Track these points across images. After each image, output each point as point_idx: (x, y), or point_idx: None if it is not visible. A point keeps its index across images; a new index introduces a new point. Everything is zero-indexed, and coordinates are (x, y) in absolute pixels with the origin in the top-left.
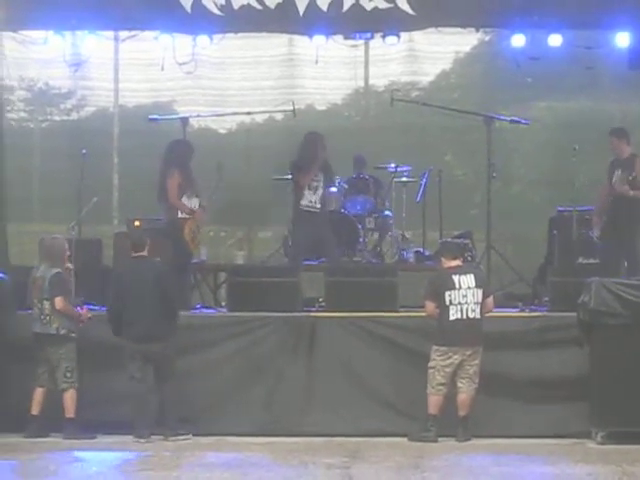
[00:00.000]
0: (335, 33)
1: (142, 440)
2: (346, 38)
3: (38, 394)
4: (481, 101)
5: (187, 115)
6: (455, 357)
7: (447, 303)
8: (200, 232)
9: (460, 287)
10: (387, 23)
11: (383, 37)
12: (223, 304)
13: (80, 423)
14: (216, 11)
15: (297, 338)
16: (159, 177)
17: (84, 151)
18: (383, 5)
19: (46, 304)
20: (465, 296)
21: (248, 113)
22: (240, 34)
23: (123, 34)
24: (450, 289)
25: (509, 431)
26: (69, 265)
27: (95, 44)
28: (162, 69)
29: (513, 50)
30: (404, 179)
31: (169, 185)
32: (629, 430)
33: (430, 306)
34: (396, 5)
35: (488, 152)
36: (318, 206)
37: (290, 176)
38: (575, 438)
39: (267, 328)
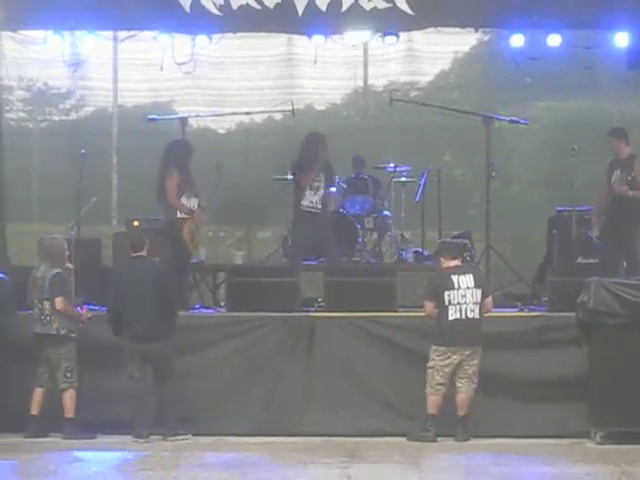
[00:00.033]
0: (334, 33)
1: (141, 440)
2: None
3: (38, 394)
4: (480, 101)
5: (186, 115)
6: (454, 357)
7: (446, 303)
8: (199, 232)
9: (459, 287)
10: (386, 23)
11: (382, 37)
12: (222, 304)
13: (80, 423)
14: (215, 11)
15: (296, 338)
16: (158, 177)
17: (83, 151)
18: (382, 5)
19: (46, 304)
20: (464, 296)
21: (247, 113)
22: (239, 34)
23: (122, 34)
24: (449, 289)
25: (508, 431)
26: (69, 265)
27: (94, 44)
28: (161, 69)
29: (512, 50)
30: (403, 179)
31: (168, 185)
32: (628, 430)
33: (429, 306)
34: (395, 5)
35: (487, 152)
36: (319, 207)
37: (290, 176)
38: (574, 438)
39: (266, 328)
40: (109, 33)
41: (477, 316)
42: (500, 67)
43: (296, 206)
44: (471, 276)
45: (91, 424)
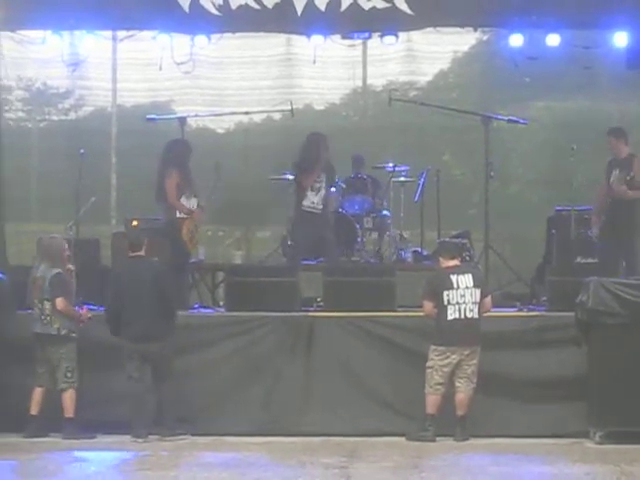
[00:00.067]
0: (333, 33)
1: (140, 440)
2: (344, 38)
3: (37, 394)
4: (479, 101)
5: (185, 115)
6: (453, 357)
7: (445, 303)
8: (198, 232)
9: (458, 287)
10: (385, 23)
11: (381, 37)
12: (221, 304)
13: (79, 423)
14: (214, 11)
15: (295, 338)
16: (157, 177)
17: (82, 151)
18: (381, 5)
19: (47, 304)
20: (463, 296)
21: (246, 113)
22: (238, 34)
23: (121, 34)
24: (448, 289)
25: (507, 431)
26: (70, 266)
27: (93, 44)
28: (160, 69)
29: (511, 50)
30: (402, 179)
31: (167, 185)
32: (627, 430)
33: (428, 306)
34: (394, 5)
35: (486, 152)
36: (320, 207)
37: (288, 176)
38: (573, 438)
39: (265, 328)
40: (108, 33)
41: (476, 316)
42: (499, 67)
43: (297, 206)
44: (470, 276)
45: (90, 424)
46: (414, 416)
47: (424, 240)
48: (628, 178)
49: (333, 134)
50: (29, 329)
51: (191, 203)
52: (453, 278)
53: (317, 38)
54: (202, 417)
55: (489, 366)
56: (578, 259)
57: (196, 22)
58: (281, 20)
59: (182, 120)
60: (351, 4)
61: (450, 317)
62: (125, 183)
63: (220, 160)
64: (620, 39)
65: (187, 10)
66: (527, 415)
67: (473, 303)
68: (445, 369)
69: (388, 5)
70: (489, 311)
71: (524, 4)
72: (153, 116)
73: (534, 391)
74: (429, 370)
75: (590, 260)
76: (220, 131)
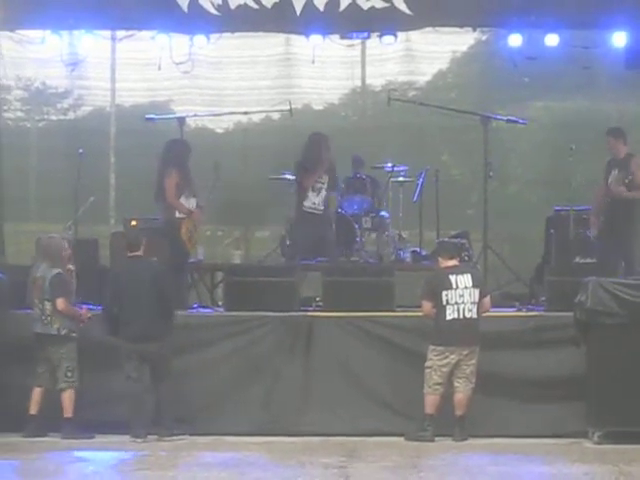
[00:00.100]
0: (332, 33)
1: (139, 440)
2: (343, 38)
3: (37, 394)
4: (478, 101)
5: (184, 115)
6: (452, 357)
7: (444, 303)
8: (197, 231)
9: (457, 287)
10: (384, 23)
11: (380, 37)
12: (220, 304)
13: (78, 423)
14: (213, 11)
15: (294, 338)
16: (157, 177)
17: (81, 150)
18: (380, 4)
19: (47, 305)
20: (462, 296)
21: (245, 113)
22: (237, 34)
23: (120, 34)
24: (447, 289)
25: (506, 431)
26: (71, 267)
27: (92, 44)
28: (159, 69)
29: (510, 50)
30: (401, 179)
31: (167, 185)
32: (626, 430)
33: (427, 306)
34: (393, 5)
35: (485, 152)
36: (321, 208)
37: (287, 176)
38: (572, 438)
39: (264, 328)
40: (107, 33)
41: (475, 316)
42: (498, 67)
43: (298, 207)
44: (469, 276)
45: (89, 424)
46: (413, 416)
47: (423, 240)
48: (626, 181)
49: (332, 134)
50: (28, 329)
51: (190, 203)
52: (452, 278)
53: (316, 38)
54: (201, 417)
55: (488, 366)
56: (577, 259)
57: (195, 22)
58: (280, 20)
59: (181, 120)
60: (350, 4)
61: (449, 317)
62: (124, 183)
63: (219, 160)
64: (619, 39)
65: (186, 10)
66: (526, 415)
67: (472, 303)
68: (444, 369)
69: (387, 5)
70: (488, 311)
71: (523, 4)
72: (152, 116)
73: (533, 391)
74: (428, 370)
75: (589, 260)
76: (219, 131)
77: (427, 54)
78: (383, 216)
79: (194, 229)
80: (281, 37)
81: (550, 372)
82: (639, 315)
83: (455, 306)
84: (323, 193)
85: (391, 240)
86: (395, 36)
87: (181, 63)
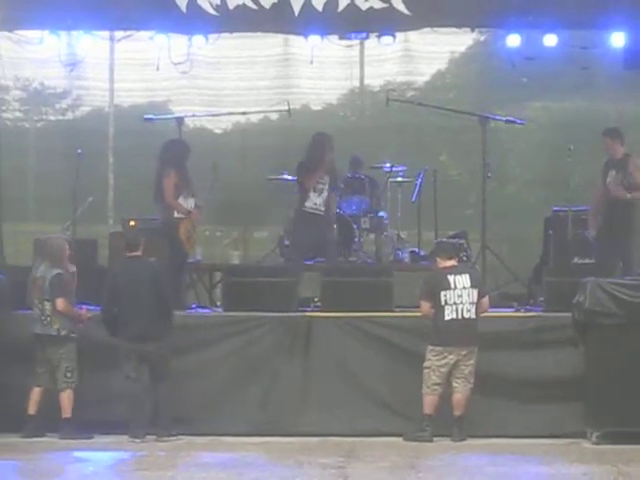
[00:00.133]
0: (330, 33)
1: (137, 440)
2: (341, 38)
3: (36, 393)
4: (476, 101)
5: (182, 115)
6: (450, 357)
7: (442, 303)
8: (196, 232)
9: (455, 287)
10: (382, 23)
11: (378, 37)
12: (218, 304)
13: (76, 423)
14: (211, 11)
15: (293, 338)
16: (155, 177)
17: (79, 151)
18: (378, 5)
19: (47, 305)
20: (460, 296)
21: (243, 113)
22: (235, 34)
23: (118, 34)
24: (445, 289)
25: (504, 431)
26: (72, 268)
27: (90, 44)
28: (157, 69)
29: (508, 50)
30: (399, 179)
31: (165, 185)
32: (624, 430)
33: (425, 306)
34: (391, 5)
35: (483, 152)
36: (322, 209)
37: (286, 176)
38: (570, 438)
39: (263, 328)
40: (105, 33)
41: (473, 316)
42: (496, 67)
43: (299, 207)
44: (467, 276)
45: (88, 424)
46: (411, 416)
47: (421, 240)
48: (625, 183)
49: (331, 134)
50: (27, 329)
51: (189, 203)
52: (450, 278)
53: (314, 38)
54: (200, 417)
55: (486, 366)
56: (575, 259)
57: (193, 22)
58: (278, 20)
59: (179, 120)
60: (348, 4)
61: (447, 317)
62: (122, 183)
63: (217, 160)
64: (617, 39)
65: (184, 10)
66: (524, 415)
67: (470, 303)
68: (442, 369)
69: (385, 5)
70: (486, 311)
71: (521, 4)
72: (150, 116)
73: (531, 391)
74: (426, 370)
75: (587, 261)
76: (217, 131)
77: (425, 54)
78: (382, 216)
79: (193, 229)
80: (279, 37)
81: (548, 372)
82: (637, 315)
83: (453, 306)
84: (324, 194)
85: (389, 240)
86: (393, 36)
87: (179, 63)
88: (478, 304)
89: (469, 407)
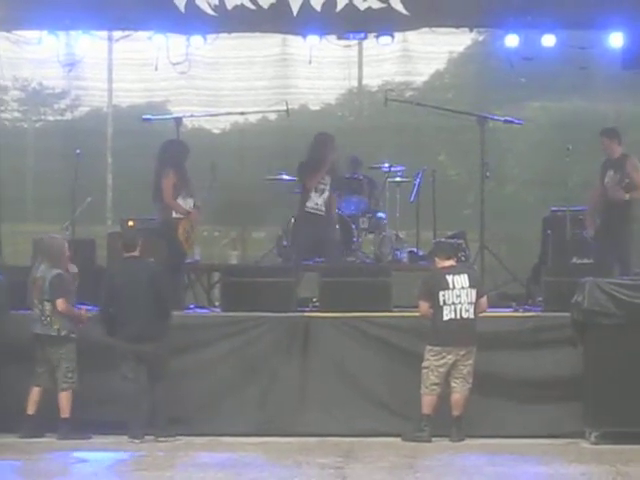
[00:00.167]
0: (329, 33)
1: (136, 441)
2: (340, 38)
3: (35, 393)
4: (475, 101)
5: (181, 115)
6: (449, 357)
7: (441, 303)
8: (194, 232)
9: (454, 287)
10: (381, 23)
11: (377, 37)
12: (217, 304)
13: (75, 423)
14: (210, 11)
15: (291, 338)
16: (154, 177)
17: (78, 151)
18: (377, 5)
19: (47, 305)
20: (459, 296)
21: (242, 113)
22: (234, 34)
23: (117, 34)
24: (444, 289)
25: (503, 431)
26: (74, 269)
27: (89, 44)
28: (156, 69)
29: (507, 50)
30: (398, 179)
31: (164, 185)
32: (623, 430)
33: (424, 306)
34: (390, 5)
35: (482, 152)
36: (323, 209)
37: (283, 176)
38: (569, 438)
39: (261, 328)
40: (104, 33)
41: (472, 316)
42: (495, 67)
43: (300, 207)
44: (466, 276)
45: (86, 424)
46: (410, 416)
47: (420, 240)
48: (623, 185)
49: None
50: (25, 329)
51: (187, 203)
52: (449, 278)
53: (313, 38)
54: (198, 417)
55: (485, 366)
56: (574, 259)
57: (192, 22)
58: (277, 20)
59: (178, 120)
60: (347, 4)
61: (446, 317)
62: (121, 183)
63: (216, 160)
64: (616, 39)
65: (183, 10)
66: (523, 415)
67: (469, 303)
68: (441, 369)
69: (384, 5)
70: (485, 311)
71: (520, 4)
72: (149, 116)
73: (530, 391)
74: (425, 370)
75: (585, 261)
76: (216, 131)
77: (424, 54)
78: (380, 216)
79: (191, 229)
80: (278, 37)
81: (547, 372)
82: (636, 315)
83: (452, 306)
84: (326, 194)
85: (388, 240)
86: (392, 36)
87: (178, 63)
88: (477, 304)
89: (467, 407)
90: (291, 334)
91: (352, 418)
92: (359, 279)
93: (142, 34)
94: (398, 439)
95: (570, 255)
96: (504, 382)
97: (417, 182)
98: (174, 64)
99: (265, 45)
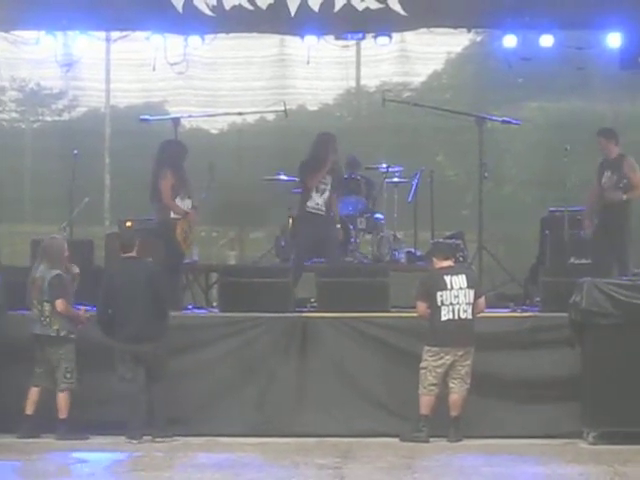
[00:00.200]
0: (326, 33)
1: (134, 441)
2: (337, 38)
3: (33, 393)
4: (473, 101)
5: (179, 115)
6: (447, 357)
7: (439, 304)
8: (192, 232)
9: (452, 287)
10: (379, 23)
11: (375, 37)
12: (215, 304)
13: (73, 424)
14: (207, 11)
15: (289, 338)
16: (152, 177)
17: (76, 151)
18: (374, 5)
19: (46, 306)
20: (457, 296)
21: (240, 113)
22: (232, 34)
23: (115, 34)
24: (442, 289)
25: (501, 431)
26: (75, 269)
27: (86, 44)
28: (153, 69)
29: (505, 51)
30: (396, 179)
31: (162, 186)
32: (621, 430)
33: (422, 306)
34: (387, 6)
35: (480, 152)
36: (324, 209)
37: (281, 176)
38: (567, 438)
39: (259, 328)
40: (101, 33)
41: (470, 316)
42: (493, 68)
43: (301, 207)
44: (464, 276)
45: (84, 425)
46: (408, 417)
47: (418, 241)
48: (621, 185)
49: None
50: (24, 330)
51: (186, 204)
52: (447, 279)
53: (311, 39)
54: (196, 418)
55: (483, 367)
56: (571, 260)
57: (190, 23)
58: (275, 21)
59: (176, 121)
60: (344, 5)
61: (444, 318)
62: (119, 184)
63: (214, 160)
64: (613, 40)
65: (181, 10)
66: (521, 416)
67: (467, 304)
68: (439, 370)
69: (381, 6)
70: (483, 312)
71: (517, 5)
72: (147, 117)
73: (528, 392)
74: (423, 371)
75: (583, 261)
76: (214, 132)
77: (422, 55)
78: (378, 217)
79: (189, 230)
80: (276, 38)
81: (545, 373)
82: (634, 315)
83: (450, 307)
84: (326, 194)
85: (386, 241)
86: (390, 37)
87: (176, 64)
88: (474, 304)
89: (465, 407)
90: (289, 334)
91: (350, 418)
92: (357, 279)
93: (140, 34)
94: (396, 439)
95: (568, 255)
96: (502, 382)
97: (415, 182)
98: (172, 64)
99: (263, 45)
